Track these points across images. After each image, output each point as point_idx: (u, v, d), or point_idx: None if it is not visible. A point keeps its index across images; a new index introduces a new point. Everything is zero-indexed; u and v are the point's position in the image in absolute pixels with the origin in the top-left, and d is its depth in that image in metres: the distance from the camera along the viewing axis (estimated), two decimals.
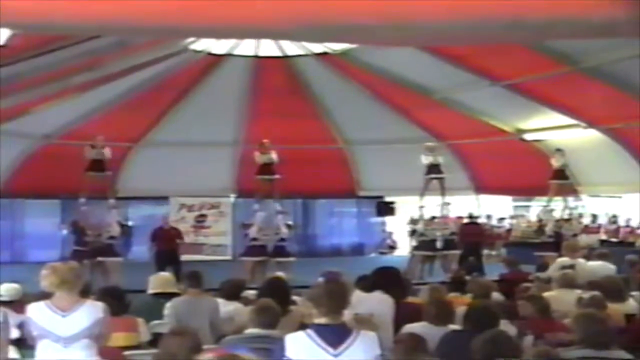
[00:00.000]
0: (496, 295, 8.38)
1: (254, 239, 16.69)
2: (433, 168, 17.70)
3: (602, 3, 4.02)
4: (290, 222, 18.15)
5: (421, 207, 18.02)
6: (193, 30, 5.58)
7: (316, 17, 4.28)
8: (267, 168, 17.75)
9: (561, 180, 17.27)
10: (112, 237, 15.93)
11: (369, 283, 7.38)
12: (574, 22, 4.15)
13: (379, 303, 6.98)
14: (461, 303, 6.92)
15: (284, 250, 16.83)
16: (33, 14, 4.31)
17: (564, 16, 4.07)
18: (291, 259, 16.62)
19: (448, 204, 18.04)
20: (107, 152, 16.51)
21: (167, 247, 16.40)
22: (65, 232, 17.69)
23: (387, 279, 7.44)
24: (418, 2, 4.25)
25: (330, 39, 9.65)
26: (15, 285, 7.79)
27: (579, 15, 4.05)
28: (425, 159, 17.65)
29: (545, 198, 17.98)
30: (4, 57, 8.84)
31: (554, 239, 16.45)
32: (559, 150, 17.23)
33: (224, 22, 4.40)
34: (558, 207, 17.86)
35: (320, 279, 6.51)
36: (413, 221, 20.51)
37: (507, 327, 5.83)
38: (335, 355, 4.12)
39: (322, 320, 4.23)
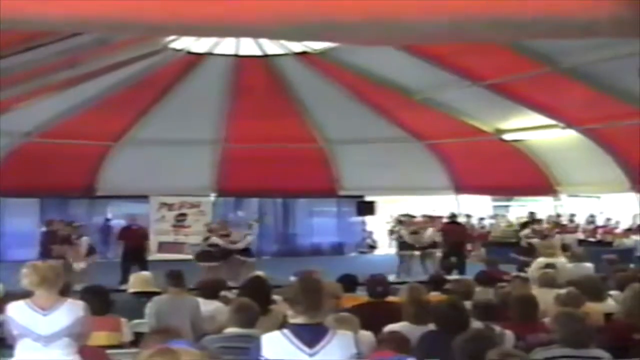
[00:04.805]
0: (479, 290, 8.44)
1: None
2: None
3: (585, 3, 4.04)
4: (251, 221, 18.18)
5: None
6: (177, 28, 5.54)
7: (299, 15, 4.27)
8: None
9: None
10: None
11: None
12: (556, 22, 4.17)
13: None
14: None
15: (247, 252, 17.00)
16: (12, 10, 4.28)
17: (547, 16, 4.09)
18: (252, 259, 16.79)
19: None
20: None
21: (133, 246, 16.62)
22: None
23: None
24: (402, 1, 4.25)
25: (313, 37, 9.59)
26: None
27: (562, 14, 4.07)
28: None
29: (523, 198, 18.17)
30: None
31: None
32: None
33: (206, 20, 4.39)
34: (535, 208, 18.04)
35: (294, 278, 6.50)
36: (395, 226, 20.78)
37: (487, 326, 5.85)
38: (311, 355, 4.10)
39: (298, 319, 4.21)
